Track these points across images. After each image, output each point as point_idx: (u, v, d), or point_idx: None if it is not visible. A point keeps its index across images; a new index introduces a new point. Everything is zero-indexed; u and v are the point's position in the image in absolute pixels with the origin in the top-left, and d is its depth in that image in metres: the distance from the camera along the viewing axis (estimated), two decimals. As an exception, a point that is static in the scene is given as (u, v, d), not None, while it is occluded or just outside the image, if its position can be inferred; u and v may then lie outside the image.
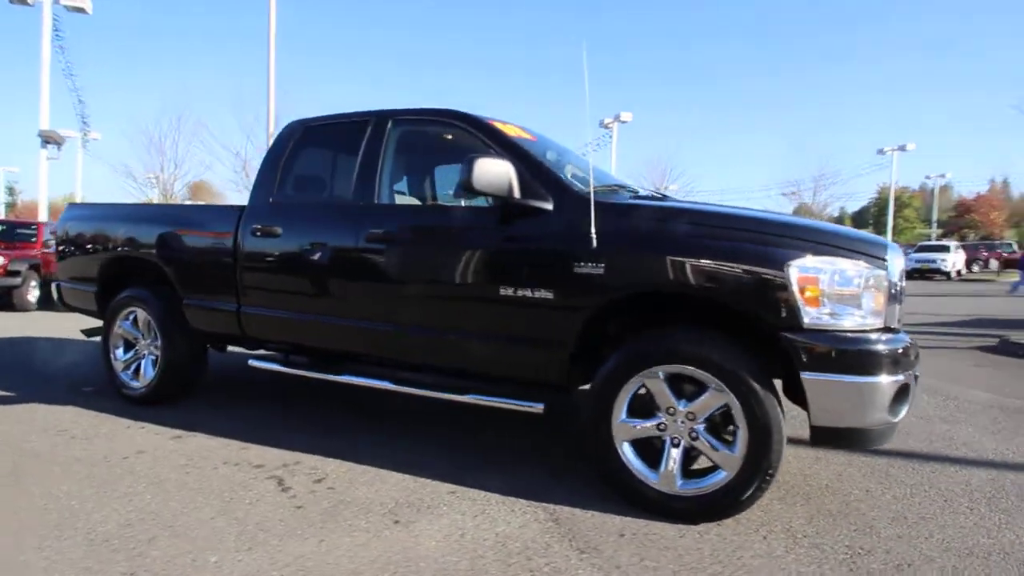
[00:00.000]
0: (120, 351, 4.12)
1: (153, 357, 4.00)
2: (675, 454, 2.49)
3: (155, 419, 3.64)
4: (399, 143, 3.34)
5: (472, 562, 2.14)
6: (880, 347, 2.27)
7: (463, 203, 3.32)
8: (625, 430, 2.56)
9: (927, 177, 42.96)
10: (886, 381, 2.25)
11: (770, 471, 2.33)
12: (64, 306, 4.59)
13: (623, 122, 26.78)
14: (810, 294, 2.28)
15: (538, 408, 2.77)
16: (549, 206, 2.72)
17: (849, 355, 2.25)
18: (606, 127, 27.64)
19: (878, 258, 2.39)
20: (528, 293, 2.69)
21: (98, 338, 4.37)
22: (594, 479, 2.79)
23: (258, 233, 3.46)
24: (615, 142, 27.30)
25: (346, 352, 3.39)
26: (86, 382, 4.56)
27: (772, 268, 2.30)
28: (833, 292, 2.29)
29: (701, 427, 2.46)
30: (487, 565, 2.13)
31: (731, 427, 2.42)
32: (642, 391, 2.53)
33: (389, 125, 3.28)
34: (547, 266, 2.67)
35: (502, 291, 2.75)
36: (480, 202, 3.08)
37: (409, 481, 2.82)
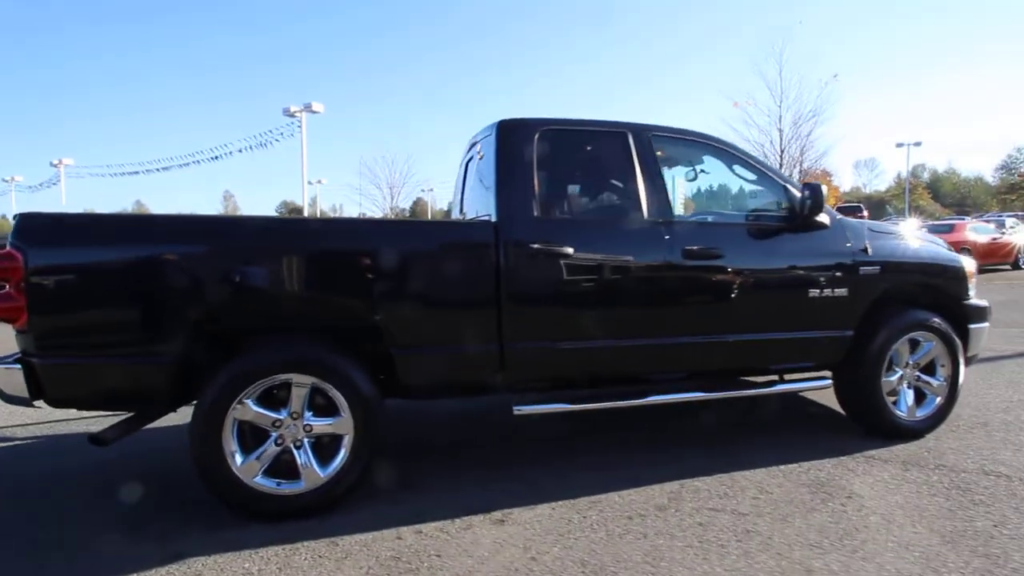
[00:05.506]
0: (238, 451, 2.62)
1: (311, 440, 2.75)
2: (911, 393, 3.62)
3: (402, 520, 2.64)
4: (661, 157, 3.36)
5: (917, 493, 2.86)
6: (986, 304, 3.90)
7: (752, 218, 3.56)
8: (886, 384, 3.54)
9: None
10: (988, 325, 3.92)
11: (959, 391, 3.68)
12: (31, 402, 2.46)
13: (314, 112, 25.25)
14: (969, 278, 3.75)
15: (827, 384, 3.49)
16: (828, 221, 3.43)
17: (983, 311, 3.81)
18: (292, 115, 25.54)
19: None
20: (831, 292, 3.36)
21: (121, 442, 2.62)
22: (827, 429, 3.72)
23: (541, 255, 2.91)
24: (304, 131, 25.52)
25: (630, 375, 3.26)
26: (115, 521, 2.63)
27: (959, 265, 3.70)
28: (973, 276, 3.82)
29: (919, 373, 3.65)
30: (918, 488, 2.90)
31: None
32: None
33: (650, 139, 3.28)
34: (843, 269, 3.39)
35: (811, 292, 3.33)
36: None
37: (761, 472, 3.12)
